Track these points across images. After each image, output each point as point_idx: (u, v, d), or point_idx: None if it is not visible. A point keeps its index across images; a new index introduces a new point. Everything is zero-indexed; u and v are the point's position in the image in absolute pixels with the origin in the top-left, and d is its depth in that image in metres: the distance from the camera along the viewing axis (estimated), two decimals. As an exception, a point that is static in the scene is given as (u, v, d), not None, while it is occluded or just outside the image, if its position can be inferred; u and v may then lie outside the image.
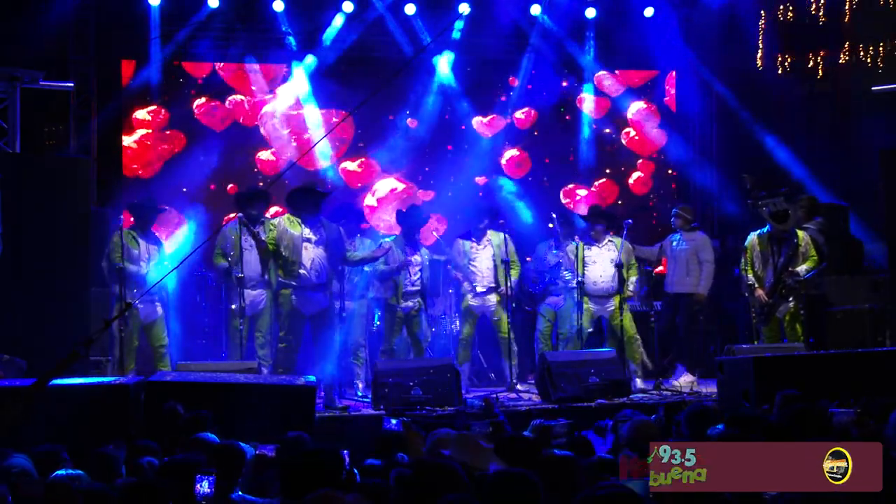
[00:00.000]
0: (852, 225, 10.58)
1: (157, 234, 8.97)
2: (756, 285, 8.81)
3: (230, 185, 11.00)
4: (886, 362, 7.43)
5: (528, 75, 11.83)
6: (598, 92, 12.18)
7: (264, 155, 11.52)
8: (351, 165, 11.71)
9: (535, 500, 3.28)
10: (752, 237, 8.94)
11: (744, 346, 8.61)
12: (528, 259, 10.03)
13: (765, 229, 8.86)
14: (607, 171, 12.30)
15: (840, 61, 11.57)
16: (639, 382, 8.87)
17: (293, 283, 8.22)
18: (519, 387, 9.00)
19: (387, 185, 11.63)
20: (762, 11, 11.63)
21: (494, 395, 8.16)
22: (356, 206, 10.47)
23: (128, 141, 11.10)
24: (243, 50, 11.16)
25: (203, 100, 11.30)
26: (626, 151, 12.40)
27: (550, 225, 9.69)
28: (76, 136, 10.57)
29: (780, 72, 11.75)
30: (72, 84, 10.42)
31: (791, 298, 8.73)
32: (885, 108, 10.85)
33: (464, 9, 11.05)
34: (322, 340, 8.44)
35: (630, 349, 9.01)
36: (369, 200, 11.54)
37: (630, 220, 9.37)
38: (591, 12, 11.53)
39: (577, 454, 4.58)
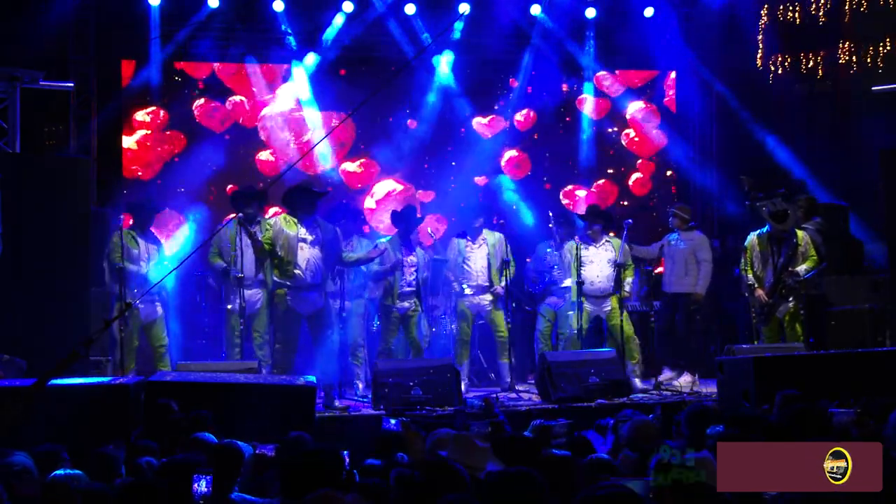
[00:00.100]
0: (852, 225, 10.58)
1: (156, 234, 8.97)
2: (756, 285, 8.82)
3: (230, 186, 11.00)
4: (886, 362, 7.43)
5: (528, 76, 11.83)
6: (599, 93, 12.18)
7: (264, 155, 11.52)
8: (351, 166, 11.71)
9: (538, 499, 3.28)
10: (752, 237, 8.94)
11: (744, 346, 8.61)
12: (528, 260, 10.03)
13: (764, 229, 8.86)
14: (607, 171, 12.30)
15: (840, 61, 11.56)
16: (637, 382, 8.87)
17: (288, 283, 8.23)
18: (518, 387, 9.00)
19: (385, 187, 11.64)
20: (762, 11, 11.63)
21: (494, 395, 8.16)
22: (355, 206, 10.48)
23: (128, 142, 11.10)
24: (243, 50, 11.16)
25: (202, 101, 11.29)
26: (626, 152, 12.40)
27: (550, 225, 9.68)
28: (76, 136, 10.57)
29: (780, 72, 11.74)
30: (72, 84, 10.42)
31: (791, 298, 8.73)
32: (885, 108, 10.85)
33: (464, 9, 11.06)
34: (320, 340, 8.44)
35: (628, 349, 9.01)
36: (368, 203, 11.54)
37: (630, 221, 9.37)
38: (591, 12, 11.53)
39: (576, 454, 4.58)
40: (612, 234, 9.75)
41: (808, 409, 4.94)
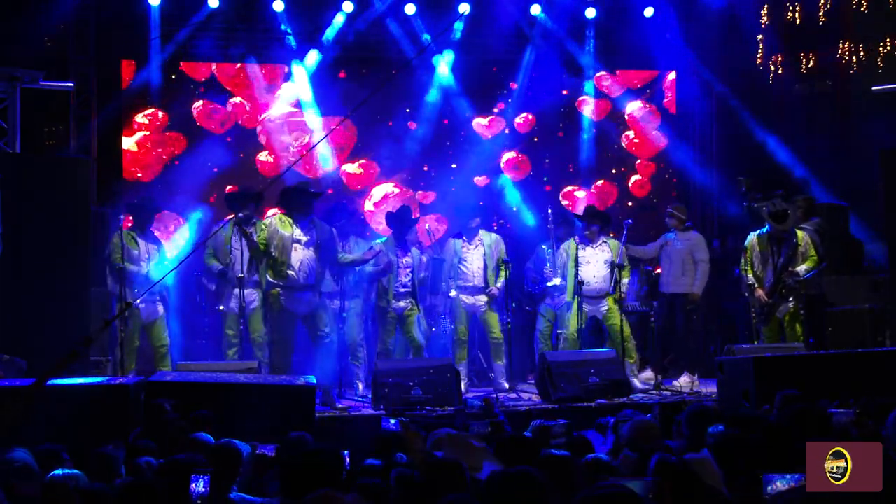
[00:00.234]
0: (852, 225, 10.58)
1: (156, 234, 8.98)
2: (756, 285, 8.81)
3: (229, 187, 11.00)
4: (886, 362, 7.42)
5: (528, 76, 11.82)
6: (599, 93, 12.19)
7: (264, 157, 11.52)
8: (351, 167, 11.71)
9: (539, 499, 3.28)
10: (752, 237, 8.94)
11: (744, 346, 8.60)
12: (529, 264, 10.04)
13: (764, 229, 8.86)
14: (608, 172, 12.31)
15: (840, 61, 11.57)
16: (637, 382, 8.87)
17: (281, 283, 8.23)
18: (507, 386, 8.99)
19: (383, 190, 11.65)
20: (762, 11, 11.62)
21: (494, 395, 8.16)
22: (354, 207, 10.47)
23: (128, 143, 11.10)
24: (244, 50, 11.16)
25: (202, 102, 11.29)
26: (626, 153, 12.40)
27: (549, 226, 9.68)
28: (76, 136, 10.57)
29: (780, 72, 11.75)
30: (72, 84, 10.42)
31: (791, 298, 8.72)
32: (885, 108, 10.85)
33: (464, 9, 11.06)
34: (317, 340, 8.44)
35: (626, 349, 9.00)
36: (367, 206, 11.54)
37: (630, 221, 9.38)
38: (591, 12, 11.53)
39: (575, 454, 4.58)
40: (611, 235, 9.76)
41: (808, 409, 4.93)
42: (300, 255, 8.27)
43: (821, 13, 11.40)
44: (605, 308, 9.20)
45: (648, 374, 9.29)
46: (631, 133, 12.38)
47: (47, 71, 9.94)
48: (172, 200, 10.51)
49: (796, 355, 7.79)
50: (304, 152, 11.09)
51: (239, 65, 11.30)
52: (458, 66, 11.57)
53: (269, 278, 8.30)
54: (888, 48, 11.27)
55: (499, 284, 9.22)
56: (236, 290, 8.35)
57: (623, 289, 9.24)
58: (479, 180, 11.89)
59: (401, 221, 9.12)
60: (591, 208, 9.74)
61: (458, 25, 11.37)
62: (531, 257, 9.97)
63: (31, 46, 9.83)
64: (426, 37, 11.07)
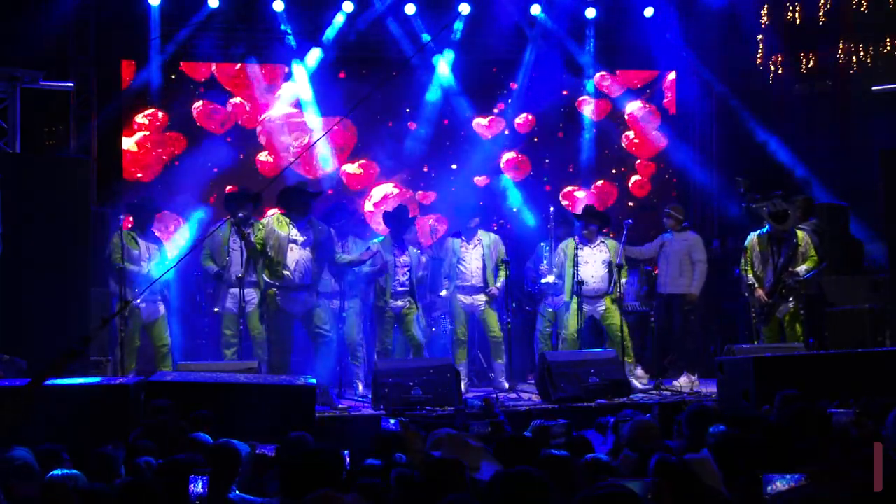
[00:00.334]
0: (852, 225, 10.57)
1: (156, 234, 8.98)
2: (756, 285, 8.81)
3: (229, 187, 11.00)
4: (886, 362, 7.42)
5: (528, 76, 11.82)
6: (599, 94, 12.19)
7: (264, 156, 11.52)
8: (351, 167, 11.72)
9: (540, 499, 3.28)
10: (752, 237, 8.94)
11: (744, 346, 8.60)
12: (528, 264, 10.04)
13: (764, 229, 8.86)
14: (608, 172, 12.31)
15: (840, 61, 11.57)
16: (635, 382, 8.87)
17: (277, 283, 8.23)
18: (507, 385, 9.00)
19: (382, 190, 11.66)
20: (762, 11, 11.63)
21: (494, 395, 8.16)
22: (354, 207, 10.47)
23: (128, 143, 11.10)
24: (244, 50, 11.16)
25: (201, 103, 11.29)
26: (625, 153, 12.40)
27: (549, 226, 9.69)
28: (76, 137, 10.57)
29: (780, 72, 11.75)
30: (72, 84, 10.42)
31: (791, 298, 8.72)
32: (885, 108, 10.85)
33: (464, 9, 11.06)
34: (315, 340, 8.43)
35: (626, 349, 9.01)
36: (367, 206, 11.54)
37: (630, 221, 9.38)
38: (591, 12, 11.53)
39: (575, 454, 4.58)
40: (610, 235, 9.76)
41: (808, 409, 4.93)
42: (296, 256, 8.26)
43: (821, 13, 11.40)
44: (603, 308, 9.20)
45: (640, 372, 9.29)
46: (631, 133, 12.38)
47: (47, 71, 9.94)
48: (172, 201, 10.51)
49: (796, 355, 7.79)
50: (302, 152, 11.09)
51: (239, 65, 11.31)
52: (458, 66, 11.57)
53: (266, 278, 8.30)
54: (888, 48, 11.27)
55: (498, 284, 9.22)
56: (234, 290, 8.35)
57: (621, 289, 9.24)
58: (479, 180, 11.90)
59: (398, 220, 9.13)
60: (589, 208, 9.74)
61: (458, 25, 11.37)
62: (531, 257, 9.98)
63: (31, 46, 9.82)
64: (426, 37, 11.07)
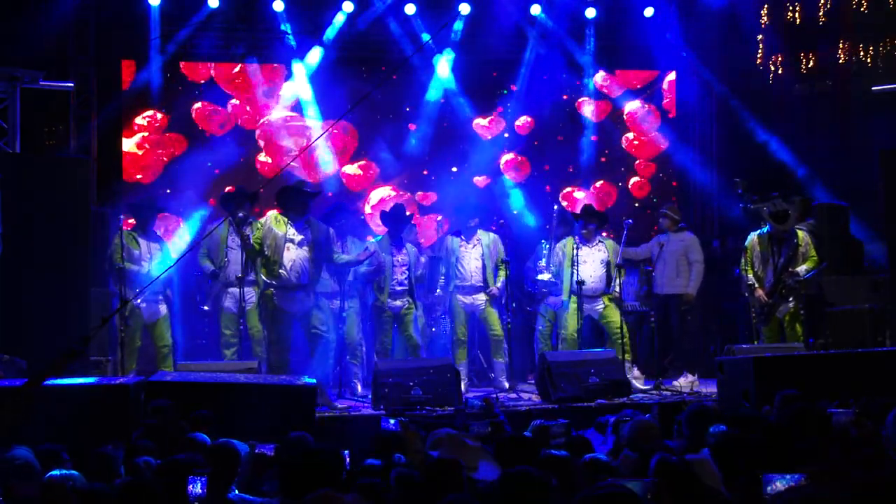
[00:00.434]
0: (852, 225, 10.57)
1: (158, 232, 8.98)
2: (756, 285, 8.82)
3: (229, 188, 10.99)
4: (886, 362, 7.42)
5: (528, 76, 11.81)
6: (599, 94, 12.18)
7: (264, 157, 11.51)
8: (351, 168, 11.71)
9: (542, 498, 3.28)
10: (752, 237, 8.94)
11: (744, 346, 8.60)
12: (528, 264, 10.04)
13: (765, 229, 8.86)
14: (608, 173, 12.30)
15: (840, 61, 11.57)
16: (633, 382, 8.86)
17: (274, 282, 8.23)
18: (507, 384, 8.99)
19: (380, 193, 11.66)
20: (762, 11, 11.63)
21: (494, 395, 8.16)
22: (355, 208, 10.47)
23: (128, 144, 11.10)
24: (244, 50, 11.16)
25: (200, 104, 11.29)
26: (625, 154, 12.40)
27: (547, 226, 9.70)
28: (76, 137, 10.57)
29: (780, 72, 11.75)
30: (72, 84, 10.42)
31: (791, 298, 8.73)
32: (885, 108, 10.85)
33: (464, 9, 11.06)
34: (312, 340, 8.43)
35: (621, 349, 9.01)
36: (367, 208, 11.54)
37: (630, 221, 9.38)
38: (591, 12, 11.52)
39: (575, 454, 4.58)
40: (609, 236, 9.76)
41: (808, 409, 4.94)
42: (292, 255, 8.25)
43: (821, 13, 11.41)
44: (601, 307, 9.21)
45: (637, 373, 9.30)
46: (631, 134, 12.38)
47: (47, 71, 9.94)
48: (172, 202, 10.50)
49: (796, 355, 7.79)
50: (301, 151, 11.08)
51: (238, 67, 11.30)
52: (458, 66, 11.56)
53: (264, 277, 8.31)
54: (888, 48, 11.27)
55: (498, 284, 9.22)
56: (234, 290, 8.35)
57: (618, 288, 9.25)
58: (479, 180, 11.89)
59: (395, 220, 9.13)
60: (588, 207, 9.74)
61: (458, 25, 11.37)
62: (531, 256, 9.98)
63: (31, 46, 9.82)
64: (426, 36, 11.07)
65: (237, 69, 11.36)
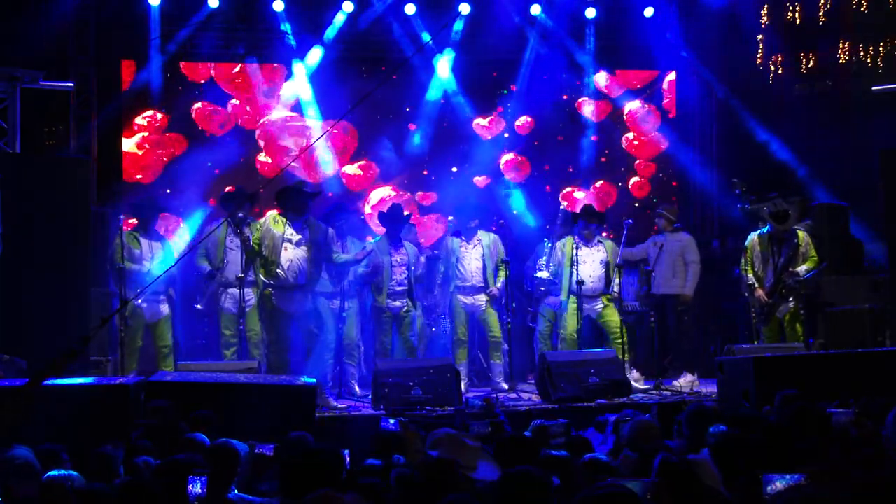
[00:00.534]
0: (852, 225, 10.58)
1: (159, 231, 8.98)
2: (756, 285, 8.82)
3: (229, 188, 10.99)
4: (886, 362, 7.42)
5: (528, 76, 11.82)
6: (599, 94, 12.19)
7: (264, 157, 11.52)
8: (351, 168, 11.71)
9: (542, 498, 3.28)
10: (753, 237, 8.95)
11: (744, 346, 8.61)
12: (528, 264, 10.04)
13: (765, 229, 8.87)
14: (608, 173, 12.30)
15: (840, 61, 11.57)
16: (633, 383, 8.86)
17: (273, 282, 8.23)
18: (505, 385, 8.99)
19: (380, 193, 11.66)
20: (762, 11, 11.63)
21: (494, 395, 8.16)
22: (355, 208, 10.46)
23: (128, 145, 11.10)
24: (244, 50, 11.16)
25: (200, 104, 11.29)
26: (625, 153, 12.40)
27: (547, 227, 9.71)
28: (76, 137, 10.57)
29: (780, 72, 11.75)
30: (72, 84, 10.42)
31: (791, 298, 8.73)
32: (885, 108, 10.85)
33: (464, 9, 11.06)
34: (310, 340, 8.43)
35: (620, 349, 9.01)
36: (366, 209, 11.55)
37: (630, 220, 9.38)
38: (591, 12, 11.53)
39: (574, 454, 4.58)
40: (609, 236, 9.76)
41: (808, 409, 4.93)
42: (290, 255, 8.23)
43: (821, 13, 11.41)
44: (601, 307, 9.21)
45: (636, 374, 9.30)
46: (631, 134, 12.38)
47: (47, 71, 9.94)
48: (173, 202, 10.50)
49: (796, 355, 7.79)
50: (302, 152, 11.08)
51: (238, 67, 11.31)
52: (458, 66, 11.57)
53: (262, 277, 8.31)
54: (888, 48, 11.27)
55: (498, 284, 9.22)
56: (234, 290, 8.34)
57: (615, 288, 9.25)
58: (479, 180, 11.89)
59: (393, 219, 9.13)
60: (588, 207, 9.75)
61: (458, 26, 11.37)
62: (531, 256, 9.98)
63: (31, 46, 9.82)
64: (426, 36, 11.07)
65: (237, 69, 11.37)
